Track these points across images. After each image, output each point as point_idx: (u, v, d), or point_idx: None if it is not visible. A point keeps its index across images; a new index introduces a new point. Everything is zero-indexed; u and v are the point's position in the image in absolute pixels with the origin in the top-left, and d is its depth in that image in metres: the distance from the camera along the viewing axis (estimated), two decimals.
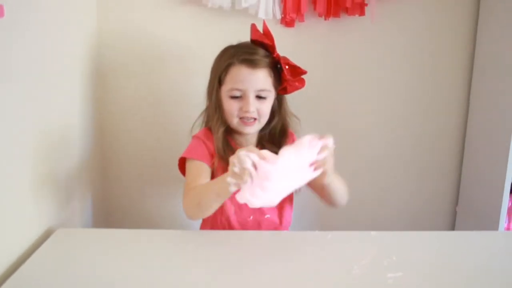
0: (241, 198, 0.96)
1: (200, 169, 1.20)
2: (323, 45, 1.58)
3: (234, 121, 1.22)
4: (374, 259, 0.99)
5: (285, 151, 0.95)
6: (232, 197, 1.03)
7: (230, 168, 0.96)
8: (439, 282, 0.91)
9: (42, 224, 1.12)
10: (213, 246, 1.07)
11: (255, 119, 1.22)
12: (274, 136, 1.30)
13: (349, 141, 1.65)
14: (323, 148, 0.98)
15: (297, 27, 1.54)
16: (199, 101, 1.33)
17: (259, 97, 1.21)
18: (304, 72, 1.23)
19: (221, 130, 1.23)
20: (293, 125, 1.32)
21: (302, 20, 1.53)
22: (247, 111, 1.20)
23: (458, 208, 1.71)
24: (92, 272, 0.92)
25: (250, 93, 1.20)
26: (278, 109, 1.30)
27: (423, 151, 1.70)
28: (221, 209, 1.20)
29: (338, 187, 1.15)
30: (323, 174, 1.00)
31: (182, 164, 1.26)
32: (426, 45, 1.61)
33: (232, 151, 1.19)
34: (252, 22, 1.29)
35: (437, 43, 1.60)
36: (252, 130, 1.25)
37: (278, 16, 1.50)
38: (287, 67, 1.22)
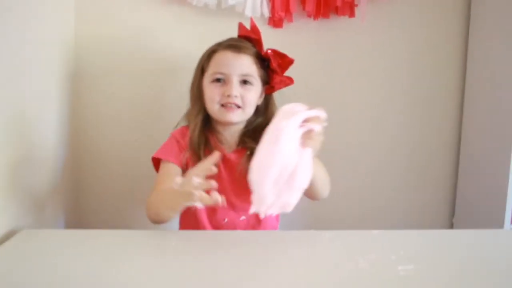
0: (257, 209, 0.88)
1: (167, 173, 1.13)
2: (313, 46, 1.52)
3: (215, 108, 1.15)
4: (381, 254, 0.90)
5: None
6: None
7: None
8: (452, 275, 0.82)
9: (7, 225, 1.00)
10: (194, 247, 0.95)
11: (238, 107, 1.15)
12: (258, 134, 1.16)
13: (338, 144, 1.56)
14: (313, 120, 0.89)
15: (285, 27, 1.48)
16: (183, 104, 1.25)
17: (243, 82, 1.15)
18: (292, 61, 1.19)
19: (199, 119, 1.16)
20: None
21: (290, 20, 1.47)
22: (229, 95, 1.13)
23: (455, 219, 1.62)
24: (51, 272, 0.80)
25: (234, 77, 1.13)
26: (264, 108, 1.24)
27: (418, 159, 1.62)
28: (194, 214, 1.13)
29: (320, 175, 1.06)
30: None
31: (157, 164, 1.18)
32: (418, 46, 1.56)
33: (210, 149, 1.15)
34: (239, 20, 1.27)
35: (429, 44, 1.56)
36: (235, 118, 1.16)
37: (266, 14, 1.44)
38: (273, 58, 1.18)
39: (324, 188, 1.09)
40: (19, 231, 1.00)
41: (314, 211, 1.46)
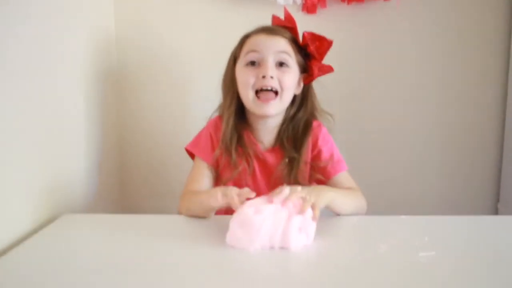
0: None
1: (199, 171, 1.12)
2: (347, 31, 1.50)
3: (250, 96, 1.06)
4: (404, 240, 0.89)
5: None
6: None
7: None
8: (477, 263, 0.80)
9: (49, 209, 1.07)
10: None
11: (276, 93, 1.05)
12: (297, 132, 1.13)
13: (378, 130, 1.55)
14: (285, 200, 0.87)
15: (319, 13, 1.48)
16: (218, 96, 1.24)
17: (280, 65, 1.07)
18: (330, 43, 1.10)
19: (232, 110, 1.10)
20: (325, 123, 1.17)
21: (324, 5, 1.46)
22: (265, 77, 1.04)
23: (500, 204, 1.57)
24: (91, 256, 0.84)
25: (269, 56, 1.05)
26: (303, 100, 1.16)
27: (460, 145, 1.57)
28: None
29: (351, 210, 1.04)
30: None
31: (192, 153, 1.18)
32: (457, 29, 1.50)
33: (243, 146, 1.11)
34: (272, 9, 1.24)
35: (469, 26, 1.50)
36: (272, 110, 1.07)
37: (299, 1, 1.44)
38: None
39: (357, 212, 1.06)
40: (60, 215, 1.06)
41: None
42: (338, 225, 0.99)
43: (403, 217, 1.02)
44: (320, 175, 1.11)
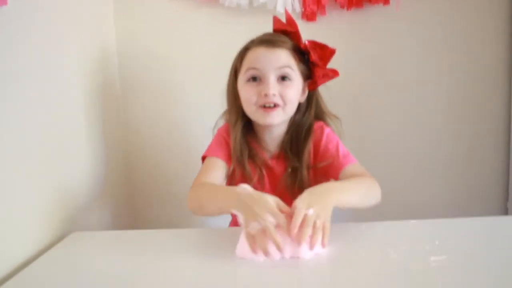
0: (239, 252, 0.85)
1: (212, 164, 1.08)
2: (348, 37, 1.51)
3: (253, 110, 1.06)
4: (415, 245, 0.88)
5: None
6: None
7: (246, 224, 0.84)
8: (489, 265, 0.79)
9: (58, 227, 1.07)
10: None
11: (276, 105, 1.04)
12: (299, 139, 1.12)
13: (382, 137, 1.55)
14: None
15: (318, 20, 1.48)
16: (223, 103, 1.25)
17: (282, 78, 1.05)
18: (333, 51, 1.08)
19: (239, 127, 1.10)
20: (333, 127, 1.16)
21: (323, 13, 1.46)
22: (266, 95, 1.02)
23: (510, 204, 1.56)
24: (101, 273, 0.84)
25: (270, 72, 1.03)
26: (308, 106, 1.14)
27: (467, 145, 1.57)
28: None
29: (362, 203, 0.99)
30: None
31: None
32: (459, 30, 1.50)
33: (253, 156, 1.11)
34: (272, 17, 1.21)
35: (471, 28, 1.50)
36: (275, 119, 1.05)
37: (298, 9, 1.45)
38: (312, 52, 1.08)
39: (371, 202, 1.01)
40: (70, 233, 1.06)
41: None
42: (347, 232, 0.98)
43: (412, 221, 1.02)
44: (329, 176, 1.09)
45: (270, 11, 1.42)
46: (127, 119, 1.55)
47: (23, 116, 0.94)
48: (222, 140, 1.13)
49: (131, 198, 1.59)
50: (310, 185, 1.06)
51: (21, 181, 0.93)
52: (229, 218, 1.26)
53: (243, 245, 0.85)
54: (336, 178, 1.07)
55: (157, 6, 1.50)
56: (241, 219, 0.86)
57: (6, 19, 0.89)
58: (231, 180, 1.13)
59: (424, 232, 0.97)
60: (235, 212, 0.87)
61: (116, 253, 0.93)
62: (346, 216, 1.54)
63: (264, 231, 0.82)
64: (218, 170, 1.09)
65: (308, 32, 1.44)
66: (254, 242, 0.83)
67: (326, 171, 1.09)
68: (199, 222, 1.54)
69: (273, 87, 1.03)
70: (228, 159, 1.11)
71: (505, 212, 1.57)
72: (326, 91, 1.17)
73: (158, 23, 1.51)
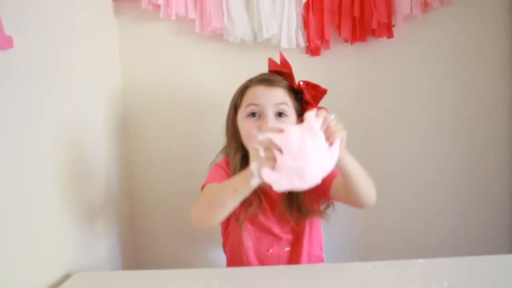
0: (269, 178, 0.85)
1: (213, 188, 1.08)
2: (352, 70, 1.51)
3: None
4: (423, 286, 0.87)
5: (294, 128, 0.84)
6: (250, 230, 1.04)
7: (253, 155, 0.85)
8: None
9: (62, 268, 1.06)
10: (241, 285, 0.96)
11: None
12: None
13: (388, 168, 1.54)
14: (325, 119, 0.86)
15: (323, 55, 1.49)
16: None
17: (278, 114, 1.13)
18: (325, 91, 1.18)
19: (238, 157, 1.17)
20: None
21: (327, 47, 1.47)
22: None
23: None
24: None
25: (269, 108, 1.12)
26: None
27: (471, 176, 1.55)
28: (238, 244, 1.15)
29: (358, 173, 0.99)
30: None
31: None
32: (464, 64, 1.50)
33: None
34: (277, 52, 1.27)
35: (472, 59, 1.50)
36: None
37: (302, 44, 1.46)
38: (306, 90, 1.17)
39: (366, 187, 1.01)
40: (73, 273, 1.06)
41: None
42: (352, 271, 0.97)
43: (420, 260, 1.00)
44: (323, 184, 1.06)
45: (274, 46, 1.43)
46: (131, 159, 1.56)
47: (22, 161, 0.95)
48: (222, 170, 1.19)
49: (136, 232, 1.59)
50: (307, 204, 1.16)
51: (23, 221, 0.93)
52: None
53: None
54: (329, 186, 1.10)
55: (163, 42, 1.52)
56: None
57: (14, 63, 0.91)
58: None
59: (432, 272, 0.95)
60: (253, 166, 0.86)
61: None
62: (351, 255, 1.54)
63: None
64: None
65: (312, 66, 1.48)
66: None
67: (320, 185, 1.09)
68: (202, 257, 1.53)
69: (271, 121, 1.11)
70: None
71: None
72: None
73: (163, 60, 1.53)
